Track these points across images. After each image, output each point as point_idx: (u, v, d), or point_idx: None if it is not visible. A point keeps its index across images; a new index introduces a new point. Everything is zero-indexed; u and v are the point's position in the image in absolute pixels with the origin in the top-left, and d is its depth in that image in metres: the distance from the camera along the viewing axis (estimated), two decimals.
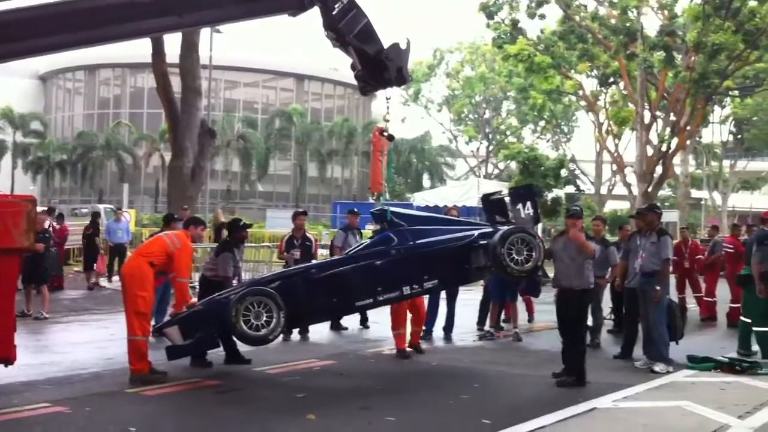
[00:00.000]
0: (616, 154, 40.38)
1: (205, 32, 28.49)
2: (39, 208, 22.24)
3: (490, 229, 9.81)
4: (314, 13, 8.89)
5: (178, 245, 8.85)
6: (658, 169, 35.31)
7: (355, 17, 9.12)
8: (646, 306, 9.97)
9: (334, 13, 8.97)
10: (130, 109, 60.67)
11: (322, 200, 57.35)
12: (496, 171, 64.46)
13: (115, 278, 20.82)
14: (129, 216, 24.57)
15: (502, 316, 13.31)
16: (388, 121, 9.91)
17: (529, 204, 10.10)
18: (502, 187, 34.93)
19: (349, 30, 9.03)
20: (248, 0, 9.03)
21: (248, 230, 10.92)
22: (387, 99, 10.11)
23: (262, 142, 53.44)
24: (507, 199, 10.98)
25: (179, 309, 9.06)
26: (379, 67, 9.29)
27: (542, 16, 36.71)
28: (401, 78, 9.50)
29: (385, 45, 9.29)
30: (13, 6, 7.76)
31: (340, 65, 63.82)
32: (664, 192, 50.52)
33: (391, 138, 9.93)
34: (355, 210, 13.62)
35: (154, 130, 53.52)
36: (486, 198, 11.25)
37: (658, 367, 9.69)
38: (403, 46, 9.51)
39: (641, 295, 10.08)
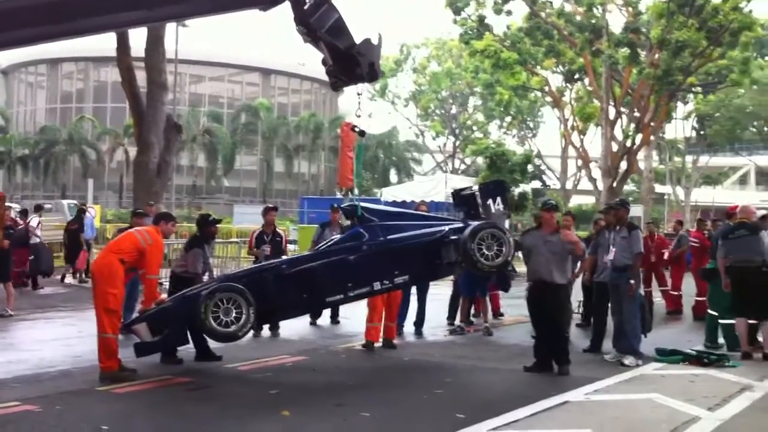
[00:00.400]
0: (581, 150, 40.76)
1: (170, 26, 28.22)
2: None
3: (461, 225, 9.83)
4: (284, 8, 8.86)
5: (150, 241, 8.76)
6: (623, 165, 35.75)
7: (327, 12, 9.08)
8: (618, 300, 10.05)
9: (305, 7, 8.92)
10: (94, 104, 59.89)
11: (289, 195, 57.11)
12: (463, 166, 64.76)
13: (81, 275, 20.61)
14: (94, 212, 24.23)
15: (472, 311, 13.35)
16: (359, 116, 9.89)
17: (499, 199, 10.15)
18: (470, 182, 35.19)
19: (321, 25, 8.99)
20: None
21: (217, 226, 10.79)
22: (358, 95, 10.10)
23: (228, 137, 53.07)
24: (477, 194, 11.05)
25: (148, 305, 8.94)
26: (351, 62, 9.26)
27: (509, 13, 36.96)
28: (373, 73, 9.47)
29: (356, 40, 9.29)
30: None
31: (306, 60, 63.72)
32: (628, 187, 51.07)
33: (362, 134, 9.93)
34: (335, 205, 13.49)
35: (118, 125, 52.89)
36: (457, 193, 11.29)
37: (628, 360, 9.79)
38: (374, 42, 9.50)
39: (613, 290, 10.15)
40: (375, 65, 9.43)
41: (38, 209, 20.74)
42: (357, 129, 9.84)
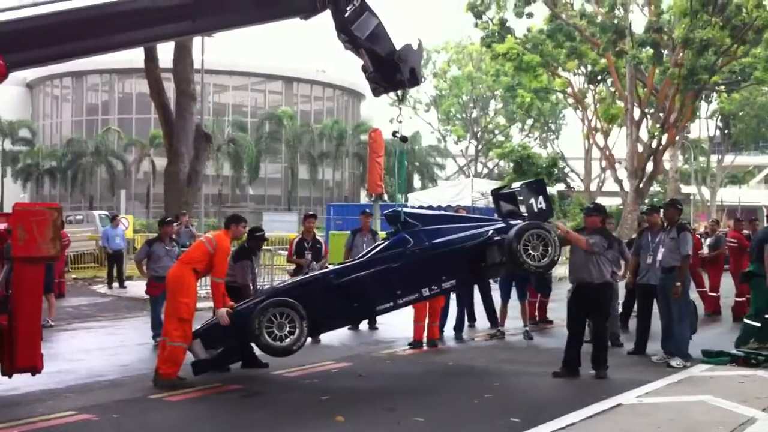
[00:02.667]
0: (608, 153, 40.58)
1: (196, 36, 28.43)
2: None
3: (503, 225, 9.84)
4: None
5: (215, 245, 8.93)
6: (649, 166, 35.52)
7: (367, 19, 9.16)
8: (666, 302, 10.01)
9: (346, 15, 8.99)
10: (119, 115, 60.35)
11: (314, 202, 57.30)
12: (485, 170, 64.70)
13: (115, 285, 20.79)
14: (127, 222, 24.49)
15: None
16: (401, 122, 9.91)
17: (541, 198, 10.07)
18: (496, 186, 35.13)
19: (361, 32, 9.06)
20: (261, 4, 9.04)
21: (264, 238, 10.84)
22: (399, 101, 10.17)
23: (253, 146, 53.28)
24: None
25: (219, 307, 8.95)
26: (392, 68, 9.33)
27: (530, 15, 36.84)
28: (414, 79, 9.54)
29: (396, 46, 9.35)
30: (33, 13, 7.75)
31: (327, 67, 63.90)
32: (654, 188, 50.78)
33: (404, 139, 9.95)
34: (367, 210, 13.50)
35: (144, 136, 53.32)
36: (497, 192, 11.28)
37: (675, 362, 9.75)
38: (414, 47, 9.57)
39: (661, 291, 10.11)
40: (416, 71, 9.51)
41: (177, 219, 21.41)
42: (399, 135, 9.86)
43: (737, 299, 14.21)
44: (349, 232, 14.01)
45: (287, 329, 8.63)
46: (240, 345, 9.16)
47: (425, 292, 9.53)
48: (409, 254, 9.48)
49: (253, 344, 9.00)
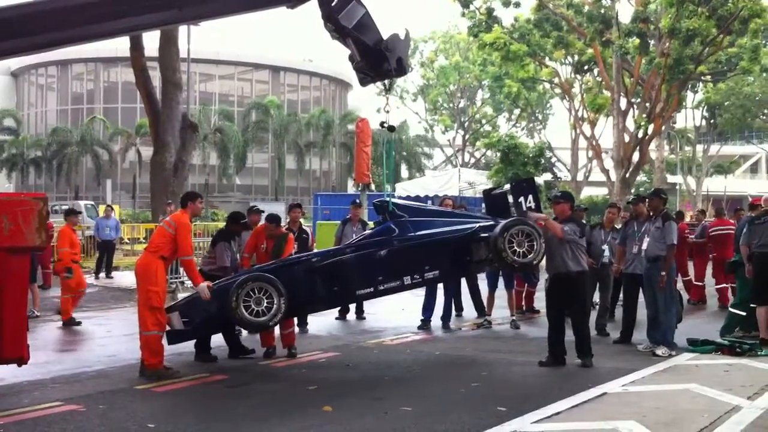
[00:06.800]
0: (594, 142, 40.67)
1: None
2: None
3: (491, 222, 9.86)
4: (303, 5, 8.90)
5: (174, 225, 8.87)
6: (635, 155, 35.63)
7: (354, 8, 9.11)
8: (652, 291, 10.07)
9: (332, 4, 8.95)
10: (104, 104, 60.00)
11: (301, 192, 57.25)
12: (473, 160, 64.73)
13: (102, 275, 20.71)
14: (114, 212, 24.38)
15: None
16: (388, 112, 9.91)
17: (530, 197, 10.08)
18: (483, 176, 35.15)
19: (348, 21, 9.02)
20: None
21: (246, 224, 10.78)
22: (386, 90, 10.15)
23: (239, 135, 53.04)
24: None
25: (198, 283, 8.87)
26: (379, 58, 9.28)
27: (517, 5, 36.79)
28: (401, 69, 9.49)
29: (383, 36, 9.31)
30: (13, 2, 7.69)
31: (314, 56, 63.69)
32: (640, 177, 50.94)
33: (392, 129, 9.92)
34: (357, 201, 13.49)
35: (129, 125, 53.06)
36: (488, 192, 11.32)
37: (660, 351, 9.82)
38: (402, 37, 9.54)
39: (647, 281, 10.18)
40: (403, 60, 9.45)
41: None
42: (386, 125, 9.84)
43: (718, 287, 14.34)
44: (336, 221, 14.01)
45: (265, 305, 8.64)
46: (218, 319, 9.15)
47: (407, 280, 9.48)
48: (392, 242, 9.49)
49: (230, 318, 8.97)
